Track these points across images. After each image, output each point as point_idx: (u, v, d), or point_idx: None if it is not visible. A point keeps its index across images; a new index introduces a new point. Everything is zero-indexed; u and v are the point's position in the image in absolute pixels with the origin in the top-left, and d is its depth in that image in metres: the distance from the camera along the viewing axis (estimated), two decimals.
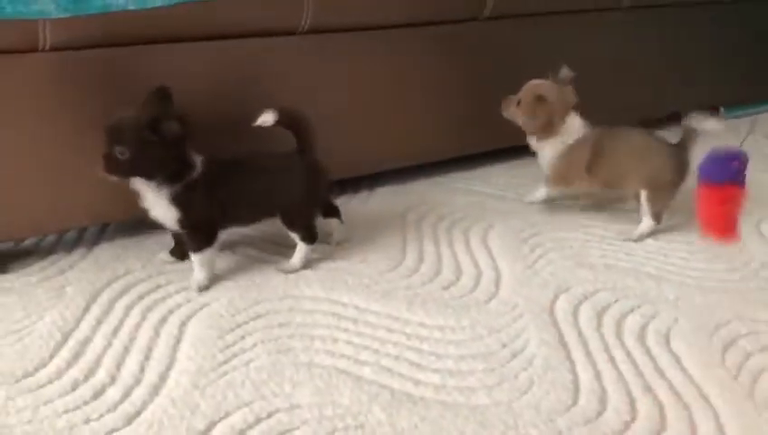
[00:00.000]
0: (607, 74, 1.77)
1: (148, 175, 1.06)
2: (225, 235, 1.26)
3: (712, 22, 2.03)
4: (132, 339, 0.99)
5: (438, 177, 1.63)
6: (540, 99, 1.34)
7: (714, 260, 1.30)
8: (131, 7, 1.06)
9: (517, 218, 1.44)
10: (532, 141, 1.42)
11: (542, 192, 1.44)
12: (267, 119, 1.12)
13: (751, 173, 1.18)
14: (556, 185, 1.42)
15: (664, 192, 1.36)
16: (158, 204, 1.09)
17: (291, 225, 1.18)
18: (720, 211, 1.18)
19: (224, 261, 1.20)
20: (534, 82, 1.38)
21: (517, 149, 1.72)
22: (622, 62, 1.81)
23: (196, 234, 1.11)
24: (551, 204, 1.51)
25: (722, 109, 2.25)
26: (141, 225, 1.29)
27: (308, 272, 1.18)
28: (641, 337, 1.05)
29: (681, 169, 1.36)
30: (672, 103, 2.06)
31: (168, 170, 1.06)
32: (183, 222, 1.10)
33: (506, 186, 1.61)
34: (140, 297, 1.09)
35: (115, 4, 1.05)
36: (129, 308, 1.06)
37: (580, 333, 1.05)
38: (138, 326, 1.02)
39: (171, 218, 1.10)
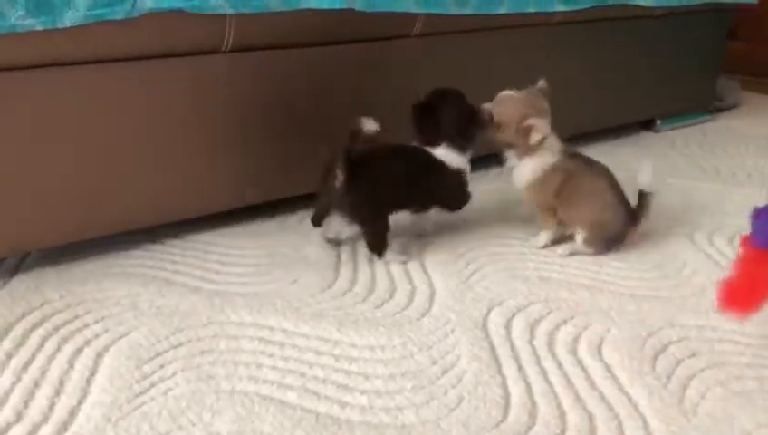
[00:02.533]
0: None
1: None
2: (137, 259, 1.23)
3: (644, 36, 2.07)
4: (44, 373, 0.93)
5: None
6: (526, 129, 1.29)
7: (647, 269, 1.30)
8: (40, 27, 1.03)
9: (455, 234, 1.42)
10: (507, 157, 1.36)
11: (543, 236, 1.39)
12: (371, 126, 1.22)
13: (683, 182, 1.18)
14: (531, 201, 1.39)
15: (600, 242, 1.35)
16: None
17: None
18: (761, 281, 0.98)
19: (145, 287, 1.16)
20: (507, 93, 1.33)
21: None
22: (556, 77, 1.83)
23: None
24: (489, 220, 1.50)
25: (658, 121, 2.29)
26: (62, 254, 1.24)
27: (236, 296, 1.14)
28: (573, 348, 1.04)
29: (625, 227, 1.34)
30: (606, 117, 2.09)
31: None
32: None
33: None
34: (56, 329, 1.04)
35: (21, 25, 1.01)
36: (43, 340, 1.01)
37: (512, 347, 1.04)
38: (50, 359, 0.96)
39: None
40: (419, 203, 1.34)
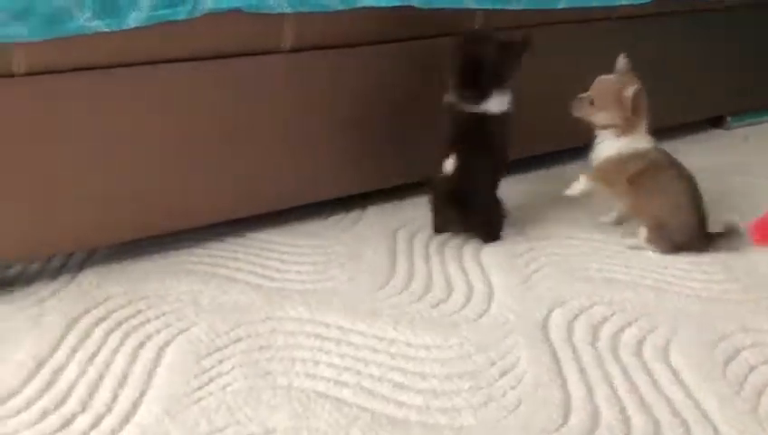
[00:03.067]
0: None
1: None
2: (199, 257, 1.25)
3: (712, 29, 1.99)
4: (108, 366, 0.95)
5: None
6: (637, 94, 1.28)
7: (716, 271, 1.25)
8: (105, 29, 1.06)
9: (513, 235, 1.40)
10: (604, 134, 1.34)
11: (580, 183, 1.37)
12: None
13: (753, 180, 1.12)
14: (596, 179, 1.36)
15: (663, 242, 1.31)
16: None
17: None
18: None
19: (206, 284, 1.17)
20: (605, 77, 1.33)
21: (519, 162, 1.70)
22: None
23: None
24: (551, 220, 1.47)
25: (728, 118, 2.21)
26: (127, 251, 1.27)
27: (294, 293, 1.15)
28: (638, 351, 1.01)
29: (691, 238, 1.30)
30: (672, 115, 2.02)
31: None
32: None
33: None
34: (119, 323, 1.06)
35: (88, 27, 1.04)
36: (107, 335, 1.03)
37: (573, 349, 1.01)
38: (114, 353, 0.98)
39: None
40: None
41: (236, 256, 1.28)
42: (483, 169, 1.32)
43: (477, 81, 1.29)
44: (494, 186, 1.36)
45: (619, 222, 1.40)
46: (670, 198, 1.27)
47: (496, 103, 1.31)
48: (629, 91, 1.28)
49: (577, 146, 1.49)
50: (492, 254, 1.31)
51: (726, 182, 1.68)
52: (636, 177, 1.29)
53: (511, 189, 1.60)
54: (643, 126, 1.32)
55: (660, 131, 2.01)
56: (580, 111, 1.33)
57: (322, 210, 1.48)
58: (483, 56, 1.28)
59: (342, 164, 1.42)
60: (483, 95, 1.30)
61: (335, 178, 1.43)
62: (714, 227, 1.32)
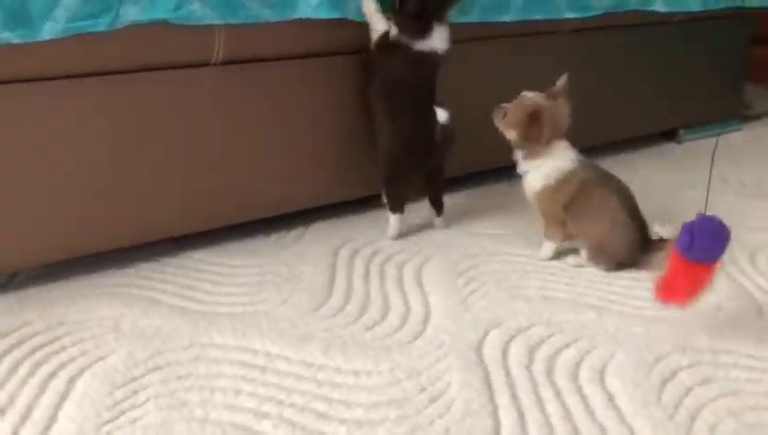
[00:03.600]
0: None
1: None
2: (128, 278, 1.20)
3: (664, 42, 1.99)
4: (13, 399, 0.90)
5: (377, 210, 1.54)
6: (534, 116, 1.24)
7: None
8: (17, 40, 1.00)
9: (455, 251, 1.36)
10: (519, 161, 1.32)
11: (547, 247, 1.33)
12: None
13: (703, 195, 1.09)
14: (552, 229, 1.31)
15: (606, 261, 1.28)
16: None
17: None
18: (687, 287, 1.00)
19: (130, 308, 1.12)
20: (526, 94, 1.29)
21: (465, 178, 1.68)
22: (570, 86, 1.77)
23: None
24: (495, 236, 1.44)
25: (681, 131, 2.21)
26: (51, 273, 1.21)
27: (222, 317, 1.10)
28: (574, 375, 0.97)
29: (633, 252, 1.27)
30: (624, 128, 2.01)
31: None
32: None
33: (448, 216, 1.53)
34: (33, 351, 1.00)
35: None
36: (17, 364, 0.97)
37: (507, 373, 0.97)
38: (23, 384, 0.93)
39: None
40: None
41: (166, 278, 1.23)
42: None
43: (421, 16, 1.28)
44: None
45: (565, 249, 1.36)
46: (606, 216, 1.25)
47: (441, 40, 1.31)
48: (526, 113, 1.24)
49: None
50: (433, 271, 1.27)
51: (676, 196, 1.67)
52: (570, 202, 1.26)
53: (456, 204, 1.59)
54: (557, 147, 1.28)
55: (614, 144, 2.02)
56: (496, 119, 1.32)
57: (265, 227, 1.43)
58: None
59: (282, 180, 1.38)
60: (428, 28, 1.29)
61: (275, 195, 1.38)
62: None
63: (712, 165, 1.06)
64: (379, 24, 1.31)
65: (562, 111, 1.28)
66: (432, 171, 1.40)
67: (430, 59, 1.31)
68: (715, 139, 2.08)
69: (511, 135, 1.30)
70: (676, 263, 1.00)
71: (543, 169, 1.27)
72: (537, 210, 1.33)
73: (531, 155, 1.28)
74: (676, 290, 1.01)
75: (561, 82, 1.29)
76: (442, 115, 1.34)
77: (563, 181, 1.26)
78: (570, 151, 1.28)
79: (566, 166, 1.26)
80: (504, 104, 1.31)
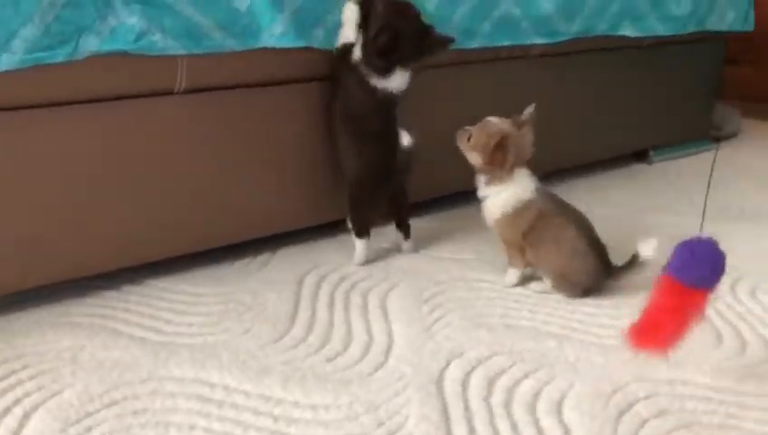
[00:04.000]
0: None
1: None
2: (89, 307, 1.19)
3: (634, 65, 2.02)
4: None
5: (345, 234, 1.54)
6: (500, 142, 1.24)
7: (621, 316, 1.23)
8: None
9: (422, 277, 1.37)
10: (480, 185, 1.33)
11: (512, 274, 1.34)
12: None
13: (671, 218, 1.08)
14: (513, 255, 1.32)
15: (569, 288, 1.29)
16: None
17: None
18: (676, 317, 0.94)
19: (90, 339, 1.11)
20: (491, 119, 1.30)
21: (433, 202, 1.68)
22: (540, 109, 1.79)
23: None
24: (459, 259, 1.44)
25: (651, 152, 2.23)
26: (10, 302, 1.20)
27: (182, 348, 1.09)
28: (532, 406, 0.98)
29: (595, 280, 1.28)
30: (594, 150, 2.03)
31: None
32: None
33: (416, 241, 1.53)
34: None
35: None
36: None
37: (466, 406, 0.97)
38: None
39: None
40: None
41: (129, 307, 1.22)
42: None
43: (387, 55, 1.28)
44: None
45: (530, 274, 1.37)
46: (565, 246, 1.26)
47: (399, 82, 1.32)
48: (493, 140, 1.25)
49: None
50: (398, 298, 1.28)
51: (646, 219, 1.69)
52: (528, 231, 1.27)
53: (425, 228, 1.59)
54: (518, 174, 1.29)
55: (585, 166, 2.03)
56: (460, 142, 1.32)
57: (231, 253, 1.43)
58: (402, 32, 1.27)
59: (248, 206, 1.38)
60: (389, 70, 1.30)
61: (241, 222, 1.38)
62: (618, 259, 1.31)
63: (709, 185, 1.05)
64: (349, 33, 1.32)
65: (527, 139, 1.29)
66: (396, 195, 1.41)
67: (385, 95, 1.33)
68: (686, 157, 2.11)
69: (474, 159, 1.31)
70: (664, 291, 0.93)
71: (503, 195, 1.28)
72: (497, 236, 1.33)
73: (492, 180, 1.29)
74: (660, 327, 0.94)
75: (529, 111, 1.30)
76: (405, 138, 1.34)
77: (522, 209, 1.27)
78: (530, 180, 1.29)
79: (525, 195, 1.27)
80: (468, 127, 1.32)
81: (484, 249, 1.48)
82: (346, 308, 1.24)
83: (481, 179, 1.32)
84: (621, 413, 0.96)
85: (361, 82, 1.30)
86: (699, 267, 0.92)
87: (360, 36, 1.31)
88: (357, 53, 1.31)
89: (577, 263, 1.25)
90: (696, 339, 1.13)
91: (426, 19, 1.31)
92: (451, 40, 1.33)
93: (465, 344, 1.13)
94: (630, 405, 0.98)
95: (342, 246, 1.48)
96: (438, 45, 1.33)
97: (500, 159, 1.26)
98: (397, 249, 1.49)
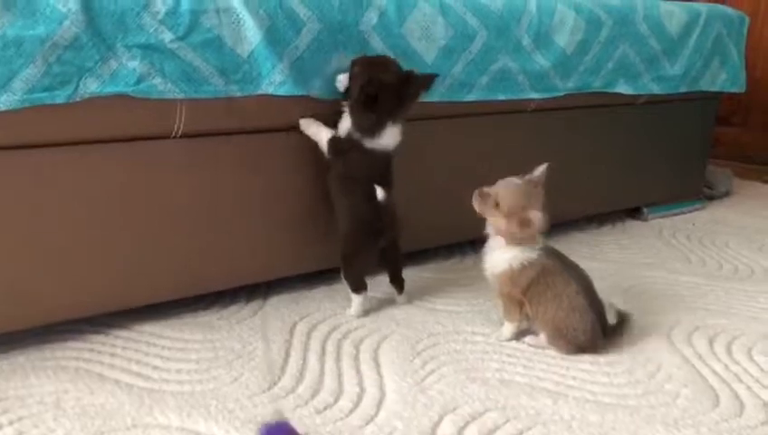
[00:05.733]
0: None
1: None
2: (76, 351, 1.17)
3: (628, 123, 2.04)
4: None
5: (338, 282, 1.52)
6: (525, 221, 1.22)
7: (617, 373, 1.22)
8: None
9: (415, 328, 1.35)
10: (493, 239, 1.30)
11: (507, 328, 1.32)
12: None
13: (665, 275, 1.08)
14: (510, 310, 1.30)
15: (565, 344, 1.27)
16: None
17: None
18: None
19: (74, 383, 1.08)
20: (514, 180, 1.26)
21: (428, 252, 1.67)
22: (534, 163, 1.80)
23: None
24: (453, 311, 1.43)
25: (645, 209, 2.24)
26: None
27: (169, 396, 1.06)
28: None
29: (593, 337, 1.26)
30: (588, 205, 2.04)
31: None
32: None
33: (409, 291, 1.51)
34: None
35: None
36: None
37: None
38: None
39: None
40: None
41: (116, 352, 1.19)
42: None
43: (375, 109, 1.28)
44: None
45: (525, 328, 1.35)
46: (565, 302, 1.24)
47: (392, 137, 1.33)
48: (535, 215, 1.22)
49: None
50: (391, 350, 1.25)
51: (638, 275, 1.68)
52: (529, 286, 1.26)
53: (420, 278, 1.58)
54: (535, 238, 1.28)
55: (578, 221, 2.04)
56: (482, 207, 1.28)
57: (221, 300, 1.41)
58: (385, 83, 1.27)
59: (242, 251, 1.36)
60: (380, 126, 1.30)
61: (234, 267, 1.37)
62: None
63: None
64: (323, 135, 1.33)
65: (541, 198, 1.27)
66: (388, 250, 1.39)
67: (381, 154, 1.33)
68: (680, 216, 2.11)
69: (499, 223, 1.27)
70: None
71: (510, 253, 1.27)
72: (495, 289, 1.32)
73: (512, 242, 1.27)
74: None
75: (541, 169, 1.29)
76: (379, 193, 1.32)
77: (528, 266, 1.25)
78: (539, 239, 1.28)
79: (532, 254, 1.26)
80: (485, 188, 1.28)
81: (479, 302, 1.47)
82: (337, 358, 1.22)
83: (498, 239, 1.29)
84: None
85: (355, 146, 1.31)
86: None
87: (347, 104, 1.32)
88: (346, 123, 1.32)
89: (575, 320, 1.24)
90: (693, 399, 1.12)
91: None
92: (434, 76, 1.35)
93: (459, 399, 1.10)
94: None
95: (336, 294, 1.47)
96: (422, 84, 1.34)
97: (529, 229, 1.24)
98: (390, 300, 1.47)
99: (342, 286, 1.42)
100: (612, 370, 1.23)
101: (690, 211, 2.33)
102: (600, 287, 1.31)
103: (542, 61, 1.67)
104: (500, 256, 1.28)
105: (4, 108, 1.01)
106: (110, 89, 1.09)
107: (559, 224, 1.95)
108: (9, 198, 1.09)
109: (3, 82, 1.01)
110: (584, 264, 1.33)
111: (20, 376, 1.10)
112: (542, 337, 1.28)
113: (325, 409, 1.06)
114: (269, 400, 1.07)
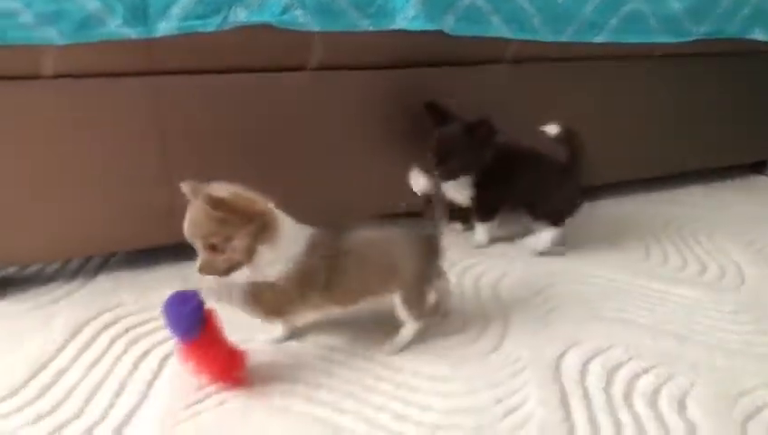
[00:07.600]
0: (617, 127, 1.72)
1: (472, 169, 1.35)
2: None
3: (756, 72, 1.94)
4: (108, 373, 0.95)
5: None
6: None
7: (744, 322, 1.19)
8: (134, 36, 1.06)
9: (535, 267, 1.36)
10: None
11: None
12: (552, 130, 1.34)
13: None
14: None
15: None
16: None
17: (536, 216, 1.42)
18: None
19: None
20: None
21: None
22: (653, 111, 1.75)
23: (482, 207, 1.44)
24: (570, 256, 1.43)
25: None
26: (143, 258, 1.27)
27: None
28: (653, 401, 0.96)
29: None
30: (709, 157, 1.97)
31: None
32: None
33: (527, 232, 1.52)
34: (126, 330, 1.06)
35: (118, 33, 1.05)
36: (113, 341, 1.03)
37: (585, 393, 0.97)
38: (117, 360, 0.98)
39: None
40: None
41: None
42: None
43: (446, 162, 1.32)
44: None
45: None
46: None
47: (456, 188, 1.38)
48: None
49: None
50: (511, 287, 1.27)
51: (764, 229, 1.62)
52: None
53: None
54: None
55: (693, 174, 1.97)
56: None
57: None
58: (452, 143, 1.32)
59: (368, 186, 1.40)
60: (451, 177, 1.34)
61: (362, 199, 1.41)
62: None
63: None
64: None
65: None
66: None
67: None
68: None
69: None
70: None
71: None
72: None
73: None
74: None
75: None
76: None
77: None
78: None
79: None
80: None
81: (595, 244, 1.46)
82: (461, 293, 1.25)
83: None
84: (749, 417, 0.93)
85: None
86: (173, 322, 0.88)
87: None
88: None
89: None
90: None
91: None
92: (492, 129, 1.32)
93: (582, 335, 1.11)
94: (759, 410, 0.95)
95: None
96: (486, 137, 1.32)
97: None
98: (509, 239, 1.49)
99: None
100: (738, 318, 1.20)
101: None
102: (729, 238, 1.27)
103: (674, 4, 1.60)
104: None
105: (162, 34, 1.07)
106: (257, 18, 1.14)
107: (683, 173, 1.91)
108: (149, 118, 1.16)
109: (161, 9, 1.07)
110: (709, 215, 1.30)
111: (168, 287, 1.19)
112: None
113: (452, 334, 1.10)
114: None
